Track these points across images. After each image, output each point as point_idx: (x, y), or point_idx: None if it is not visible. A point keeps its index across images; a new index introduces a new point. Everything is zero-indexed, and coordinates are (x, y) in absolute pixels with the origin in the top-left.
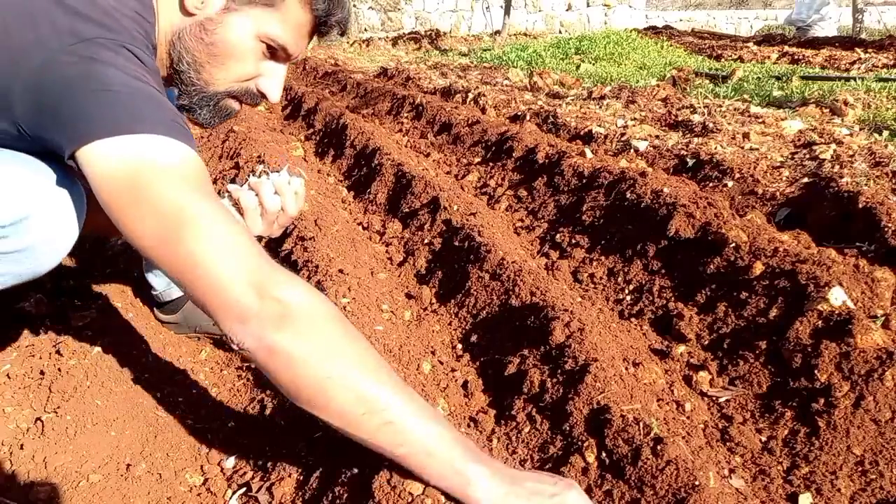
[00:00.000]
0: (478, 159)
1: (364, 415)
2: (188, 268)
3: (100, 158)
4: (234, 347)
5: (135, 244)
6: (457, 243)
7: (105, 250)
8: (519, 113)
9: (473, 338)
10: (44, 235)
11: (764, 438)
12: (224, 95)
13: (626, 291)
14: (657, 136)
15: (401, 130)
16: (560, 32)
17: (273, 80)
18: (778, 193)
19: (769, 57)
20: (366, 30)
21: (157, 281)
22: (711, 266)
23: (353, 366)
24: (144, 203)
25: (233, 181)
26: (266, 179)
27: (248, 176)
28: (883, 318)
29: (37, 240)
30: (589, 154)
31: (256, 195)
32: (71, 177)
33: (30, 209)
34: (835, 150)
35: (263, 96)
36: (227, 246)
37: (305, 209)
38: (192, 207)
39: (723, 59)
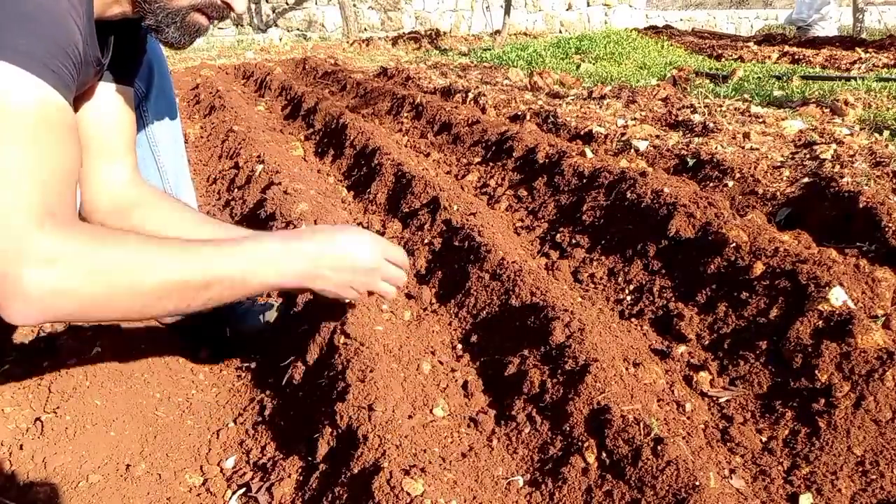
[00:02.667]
0: (478, 159)
1: (178, 305)
2: None
3: None
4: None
5: None
6: (457, 243)
7: None
8: (519, 113)
9: (473, 338)
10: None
11: (764, 439)
12: (189, 9)
13: (627, 291)
14: (657, 136)
15: (401, 130)
16: (560, 32)
17: None
18: (778, 193)
19: (769, 57)
20: (366, 29)
21: None
22: (712, 266)
23: (130, 293)
24: None
25: None
26: None
27: None
28: (883, 319)
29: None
30: (589, 154)
31: None
32: None
33: None
34: (835, 150)
35: (229, 7)
36: (4, 209)
37: (305, 209)
38: (2, 154)
39: (723, 59)
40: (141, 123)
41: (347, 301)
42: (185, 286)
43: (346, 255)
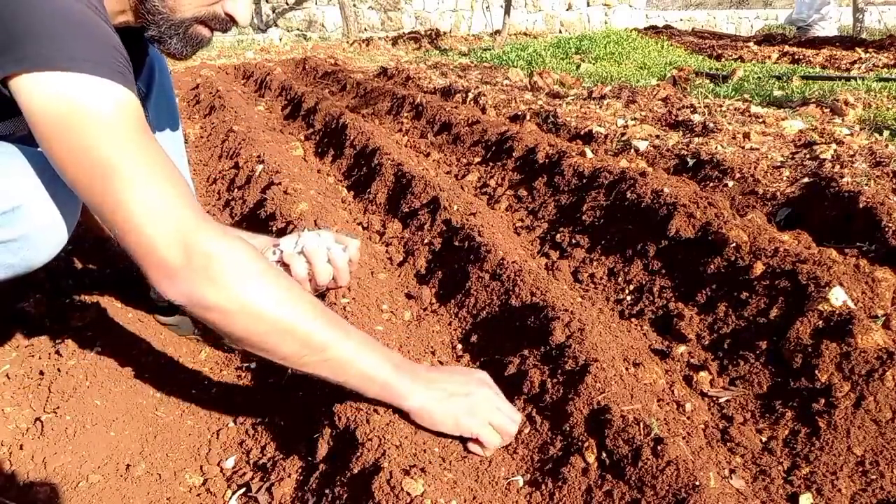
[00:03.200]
0: (478, 159)
1: (305, 356)
2: (116, 220)
3: (29, 93)
4: (165, 299)
5: (65, 181)
6: (457, 243)
7: (105, 250)
8: (519, 113)
9: (473, 338)
10: (38, 225)
11: (764, 439)
12: (192, 21)
13: (627, 291)
14: (657, 136)
15: (401, 130)
16: (560, 32)
17: (240, 1)
18: (778, 193)
19: (769, 56)
20: (366, 29)
21: None
22: (712, 266)
23: (288, 314)
24: (74, 151)
25: (282, 231)
26: (319, 247)
27: (301, 232)
28: (883, 319)
29: (31, 229)
30: (589, 154)
31: (308, 262)
32: None
33: (23, 199)
34: (835, 150)
35: (232, 19)
36: (155, 200)
37: (305, 209)
38: (120, 157)
39: (723, 59)
40: None
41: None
42: (315, 341)
43: (463, 382)
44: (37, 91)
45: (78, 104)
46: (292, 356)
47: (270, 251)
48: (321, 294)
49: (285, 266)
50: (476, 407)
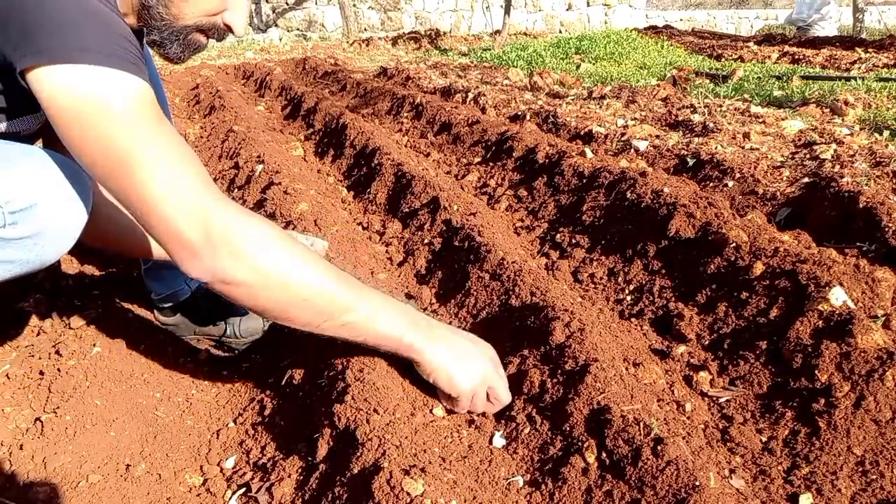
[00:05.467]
0: (478, 159)
1: (325, 322)
2: (137, 204)
3: (47, 86)
4: (191, 278)
5: (88, 172)
6: (457, 243)
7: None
8: (519, 113)
9: None
10: (51, 223)
11: (764, 439)
12: (192, 29)
13: (627, 291)
14: (657, 136)
15: (400, 130)
16: (560, 32)
17: (238, 13)
18: (778, 193)
19: (769, 56)
20: (366, 29)
21: (156, 285)
22: (712, 266)
23: (308, 282)
24: (92, 140)
25: None
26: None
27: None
28: (883, 319)
29: (44, 227)
30: (589, 154)
31: None
32: (77, 167)
33: (37, 197)
34: (835, 150)
35: (229, 29)
36: (173, 182)
37: (305, 209)
38: (137, 145)
39: (723, 59)
40: None
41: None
42: (333, 304)
43: (469, 347)
44: (55, 84)
45: (95, 96)
46: (314, 321)
47: None
48: None
49: None
50: (474, 375)
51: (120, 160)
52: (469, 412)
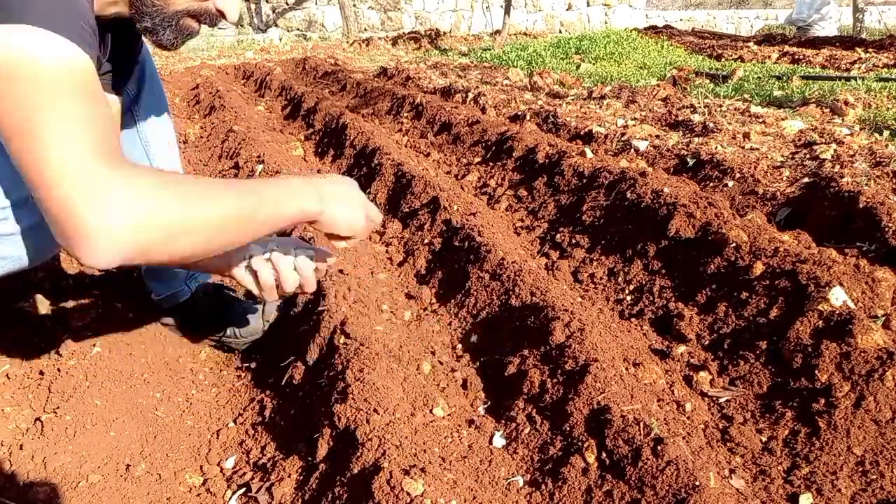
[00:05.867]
0: (478, 159)
1: (243, 235)
2: (31, 170)
3: None
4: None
5: None
6: (457, 243)
7: None
8: (519, 113)
9: (473, 338)
10: (43, 219)
11: (764, 439)
12: (184, 14)
13: (627, 291)
14: (657, 136)
15: (400, 130)
16: (560, 32)
17: None
18: (778, 193)
19: (769, 56)
20: (366, 29)
21: (156, 285)
22: (712, 266)
23: (214, 215)
24: (9, 97)
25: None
26: (286, 255)
27: (271, 238)
28: (883, 319)
29: (38, 222)
30: (589, 154)
31: (274, 269)
32: None
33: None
34: (835, 150)
35: (221, 14)
36: (73, 153)
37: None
38: (49, 109)
39: (723, 59)
40: (132, 125)
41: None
42: (240, 214)
43: (348, 191)
44: None
45: (25, 54)
46: (236, 239)
47: (240, 256)
48: (290, 298)
49: (254, 272)
50: (359, 210)
51: (27, 120)
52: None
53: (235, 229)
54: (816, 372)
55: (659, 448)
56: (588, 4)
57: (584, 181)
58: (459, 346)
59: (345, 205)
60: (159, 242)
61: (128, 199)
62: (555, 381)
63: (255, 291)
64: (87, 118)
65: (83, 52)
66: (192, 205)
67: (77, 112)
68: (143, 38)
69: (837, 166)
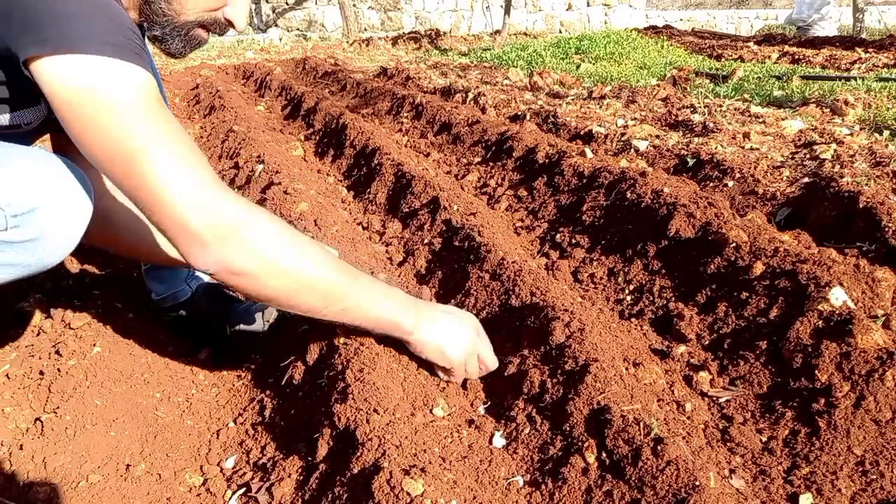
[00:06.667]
0: (478, 159)
1: (326, 308)
2: (144, 196)
3: (51, 77)
4: (196, 269)
5: (91, 163)
6: (457, 243)
7: (104, 251)
8: (519, 113)
9: None
10: (53, 226)
11: (764, 439)
12: (194, 25)
13: (627, 291)
14: (657, 136)
15: (400, 130)
16: (560, 32)
17: (239, 8)
18: (778, 193)
19: (769, 56)
20: (366, 29)
21: (156, 285)
22: (712, 266)
23: (309, 271)
24: (96, 132)
25: None
26: None
27: None
28: (883, 319)
29: (46, 230)
30: (589, 154)
31: None
32: (78, 168)
33: (39, 200)
34: (835, 150)
35: (230, 24)
36: (180, 174)
37: (305, 209)
38: (142, 137)
39: (723, 59)
40: None
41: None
42: (333, 292)
43: (455, 322)
44: (59, 75)
45: (99, 88)
46: (315, 307)
47: None
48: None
49: None
50: (462, 345)
51: (124, 152)
52: (465, 389)
53: (318, 299)
54: (816, 372)
55: (659, 448)
56: (588, 4)
57: (584, 181)
58: None
59: (442, 333)
60: (268, 290)
61: (253, 243)
62: (555, 381)
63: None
64: (181, 140)
65: (146, 72)
66: (306, 267)
67: (170, 136)
68: (146, 42)
69: (837, 166)
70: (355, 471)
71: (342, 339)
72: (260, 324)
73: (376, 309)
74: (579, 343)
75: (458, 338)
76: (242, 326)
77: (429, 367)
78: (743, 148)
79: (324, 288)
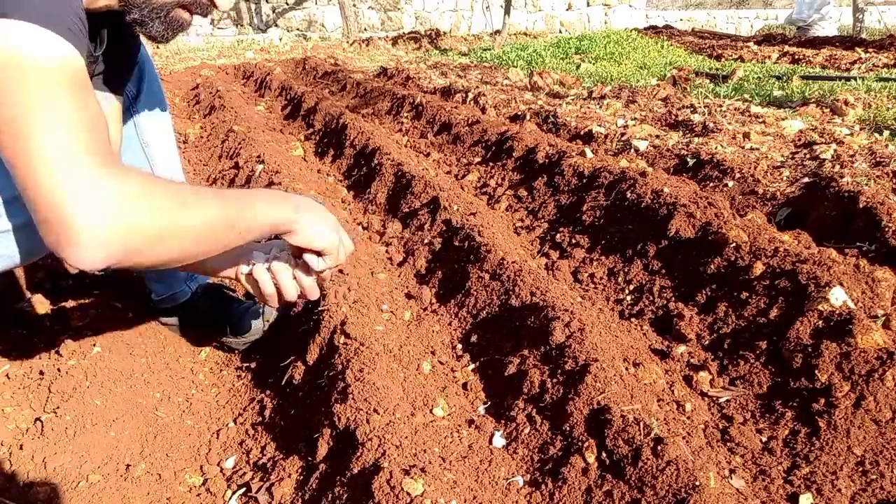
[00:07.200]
0: (478, 159)
1: (224, 242)
2: (21, 167)
3: None
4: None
5: None
6: (457, 243)
7: None
8: (519, 113)
9: (473, 338)
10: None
11: (764, 439)
12: (174, 5)
13: (627, 291)
14: (657, 136)
15: (400, 130)
16: (560, 32)
17: None
18: (778, 193)
19: (769, 56)
20: (366, 29)
21: (156, 286)
22: (712, 266)
23: (199, 222)
24: (1, 95)
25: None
26: (285, 264)
27: (272, 242)
28: (883, 318)
29: (31, 220)
30: (589, 154)
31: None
32: None
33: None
34: (835, 150)
35: (212, 3)
36: (65, 152)
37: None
38: (40, 107)
39: (723, 59)
40: (132, 126)
41: (327, 247)
42: (223, 222)
43: (322, 209)
44: None
45: (17, 52)
46: (215, 247)
47: (243, 264)
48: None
49: (254, 280)
50: (333, 227)
51: (17, 118)
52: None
53: (215, 238)
54: (816, 372)
55: (659, 448)
56: (588, 4)
57: (584, 181)
58: (459, 346)
59: (319, 219)
60: (145, 246)
61: (116, 200)
62: (555, 380)
63: (258, 298)
64: (78, 117)
65: (74, 49)
66: (178, 210)
67: (68, 111)
68: (140, 36)
69: (837, 166)
70: (355, 471)
71: (342, 339)
72: (260, 324)
73: (264, 218)
74: (579, 343)
75: (327, 217)
76: (238, 339)
77: (305, 267)
78: (743, 148)
79: (217, 226)
